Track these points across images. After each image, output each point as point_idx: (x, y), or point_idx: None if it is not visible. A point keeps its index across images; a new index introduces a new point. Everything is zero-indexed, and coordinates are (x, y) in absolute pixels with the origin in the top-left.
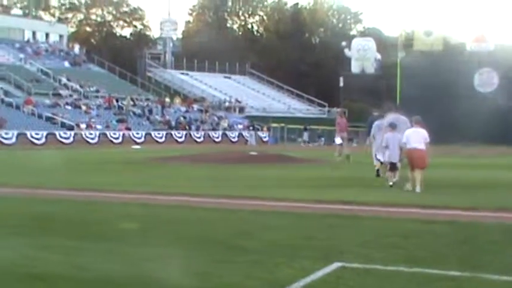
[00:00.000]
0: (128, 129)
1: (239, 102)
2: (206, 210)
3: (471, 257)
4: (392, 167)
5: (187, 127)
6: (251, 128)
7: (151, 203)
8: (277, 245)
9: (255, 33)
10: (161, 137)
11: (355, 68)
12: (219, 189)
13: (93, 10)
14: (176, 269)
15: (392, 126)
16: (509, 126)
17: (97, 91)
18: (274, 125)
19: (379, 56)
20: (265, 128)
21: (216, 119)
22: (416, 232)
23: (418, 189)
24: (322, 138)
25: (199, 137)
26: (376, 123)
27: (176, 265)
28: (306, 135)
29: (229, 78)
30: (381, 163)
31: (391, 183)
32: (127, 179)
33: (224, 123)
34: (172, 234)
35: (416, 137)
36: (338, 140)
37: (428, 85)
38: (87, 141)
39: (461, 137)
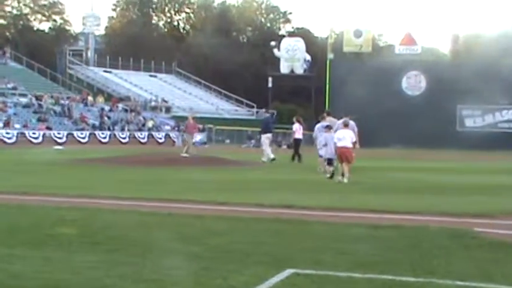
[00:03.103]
0: (49, 128)
1: (165, 101)
2: (143, 215)
3: (422, 262)
4: (330, 161)
5: (111, 127)
6: (179, 129)
7: (86, 207)
8: (226, 251)
9: (182, 30)
10: (84, 137)
11: (284, 68)
12: (155, 193)
13: (9, 2)
14: (123, 277)
15: (329, 127)
16: (436, 129)
17: (14, 88)
18: (209, 125)
19: (308, 57)
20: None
21: (141, 119)
22: (364, 237)
23: (346, 179)
24: (253, 141)
25: (124, 138)
26: (318, 125)
27: (122, 272)
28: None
29: (155, 77)
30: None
31: (328, 175)
32: (56, 181)
33: (150, 124)
34: (113, 240)
35: (345, 136)
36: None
37: (359, 86)
38: (4, 141)
39: (392, 139)
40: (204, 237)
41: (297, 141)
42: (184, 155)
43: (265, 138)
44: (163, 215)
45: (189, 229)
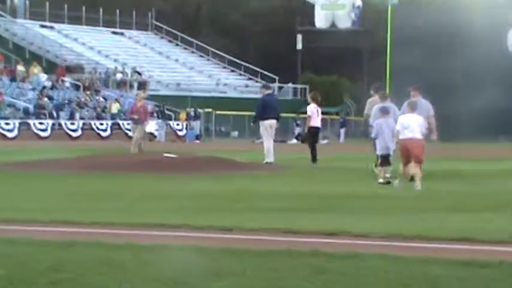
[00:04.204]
0: None
1: (139, 74)
2: (110, 249)
3: None
4: (385, 160)
5: (54, 113)
6: (160, 115)
7: (18, 239)
8: None
9: None
10: (12, 130)
11: (321, 20)
12: (126, 214)
13: None
14: None
15: (385, 110)
16: None
17: None
18: (206, 110)
19: (359, 2)
20: (182, 115)
21: (102, 100)
22: (450, 279)
23: (418, 186)
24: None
25: (74, 130)
26: (376, 107)
27: None
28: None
29: (122, 35)
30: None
31: (381, 180)
32: None
33: (115, 108)
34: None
35: (413, 123)
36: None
37: (437, 47)
38: None
39: (493, 127)
40: (203, 282)
41: (313, 131)
42: (134, 151)
43: (267, 126)
44: (141, 249)
45: (180, 270)
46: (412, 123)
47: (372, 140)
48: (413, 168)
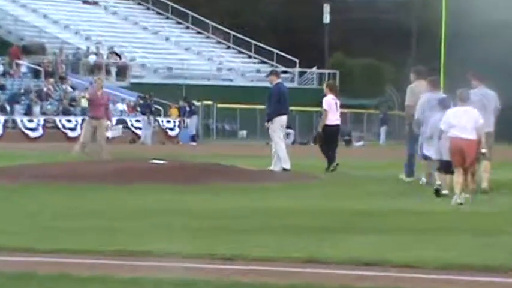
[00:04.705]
0: None
1: (117, 55)
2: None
3: None
4: (446, 167)
5: (6, 107)
6: (145, 110)
7: None
8: None
9: None
10: None
11: None
12: (101, 237)
13: None
14: None
15: (444, 103)
16: None
17: None
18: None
19: None
20: (173, 110)
21: (70, 90)
22: None
23: (467, 197)
24: (291, 131)
25: (33, 129)
26: (424, 98)
27: None
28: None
29: (96, 4)
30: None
31: (445, 191)
32: None
33: (85, 101)
34: None
35: (464, 121)
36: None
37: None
38: None
39: None
40: None
41: (331, 131)
42: (76, 150)
43: (277, 125)
44: (118, 283)
45: None
46: (462, 119)
47: (410, 139)
48: (458, 176)
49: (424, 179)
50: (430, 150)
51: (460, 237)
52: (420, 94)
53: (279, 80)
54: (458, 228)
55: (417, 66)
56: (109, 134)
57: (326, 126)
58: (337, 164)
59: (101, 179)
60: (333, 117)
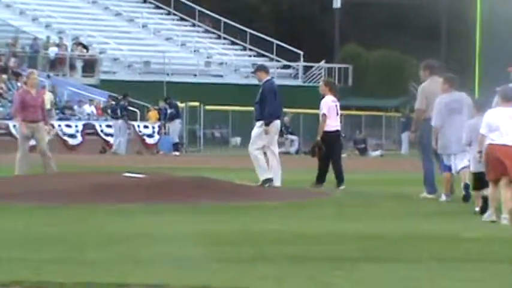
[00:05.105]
0: None
1: (84, 47)
2: None
3: None
4: (480, 180)
5: None
6: (118, 113)
7: None
8: None
9: None
10: None
11: None
12: (68, 268)
13: None
14: None
15: (480, 106)
16: None
17: None
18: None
19: None
20: (152, 113)
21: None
22: None
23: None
24: (295, 138)
25: None
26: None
27: None
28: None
29: None
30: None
31: (477, 209)
32: None
33: (47, 101)
34: None
35: (506, 125)
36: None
37: None
38: None
39: None
40: None
41: (331, 138)
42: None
43: (274, 131)
44: None
45: None
46: (504, 121)
47: (423, 151)
48: (495, 190)
49: (444, 196)
50: (466, 160)
51: (494, 268)
52: (432, 95)
53: (269, 77)
54: (493, 257)
55: (428, 60)
56: (48, 132)
57: (325, 133)
58: (320, 179)
59: (62, 197)
60: (334, 123)
